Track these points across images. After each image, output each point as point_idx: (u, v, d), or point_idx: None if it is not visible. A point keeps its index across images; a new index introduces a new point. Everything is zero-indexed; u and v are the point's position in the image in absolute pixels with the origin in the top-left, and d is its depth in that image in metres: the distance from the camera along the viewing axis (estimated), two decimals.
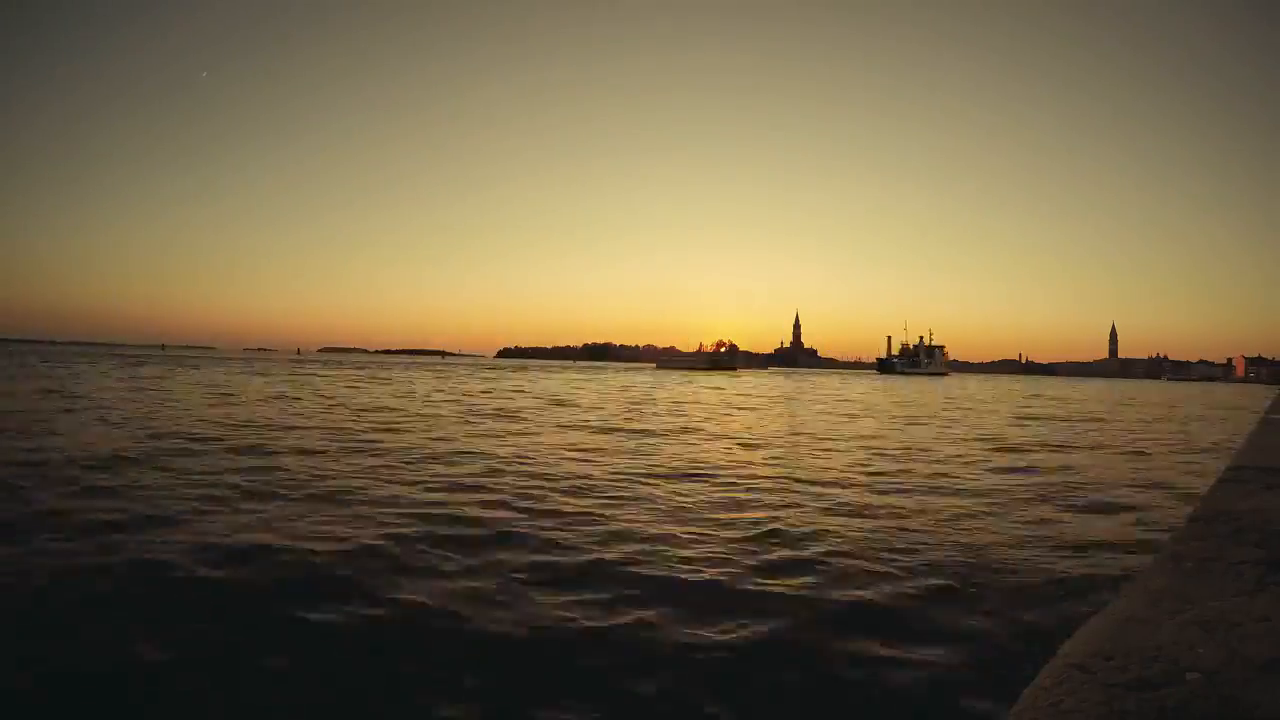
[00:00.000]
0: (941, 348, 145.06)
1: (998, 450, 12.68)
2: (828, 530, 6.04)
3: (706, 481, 8.45)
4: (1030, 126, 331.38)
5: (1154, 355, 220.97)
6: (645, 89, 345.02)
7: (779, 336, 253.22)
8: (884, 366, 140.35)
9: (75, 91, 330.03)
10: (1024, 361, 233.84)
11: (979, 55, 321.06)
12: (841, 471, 9.66)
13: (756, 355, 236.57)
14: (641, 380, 49.53)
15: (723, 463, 10.15)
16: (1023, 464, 10.86)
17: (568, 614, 3.97)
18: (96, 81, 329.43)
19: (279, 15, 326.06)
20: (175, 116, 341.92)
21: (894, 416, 21.28)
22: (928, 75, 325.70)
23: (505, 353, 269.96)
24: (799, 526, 6.16)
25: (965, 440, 14.45)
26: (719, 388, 41.46)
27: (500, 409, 19.25)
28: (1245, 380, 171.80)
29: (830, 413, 22.27)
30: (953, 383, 74.25)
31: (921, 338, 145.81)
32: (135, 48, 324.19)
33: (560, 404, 22.29)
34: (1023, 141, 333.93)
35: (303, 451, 9.88)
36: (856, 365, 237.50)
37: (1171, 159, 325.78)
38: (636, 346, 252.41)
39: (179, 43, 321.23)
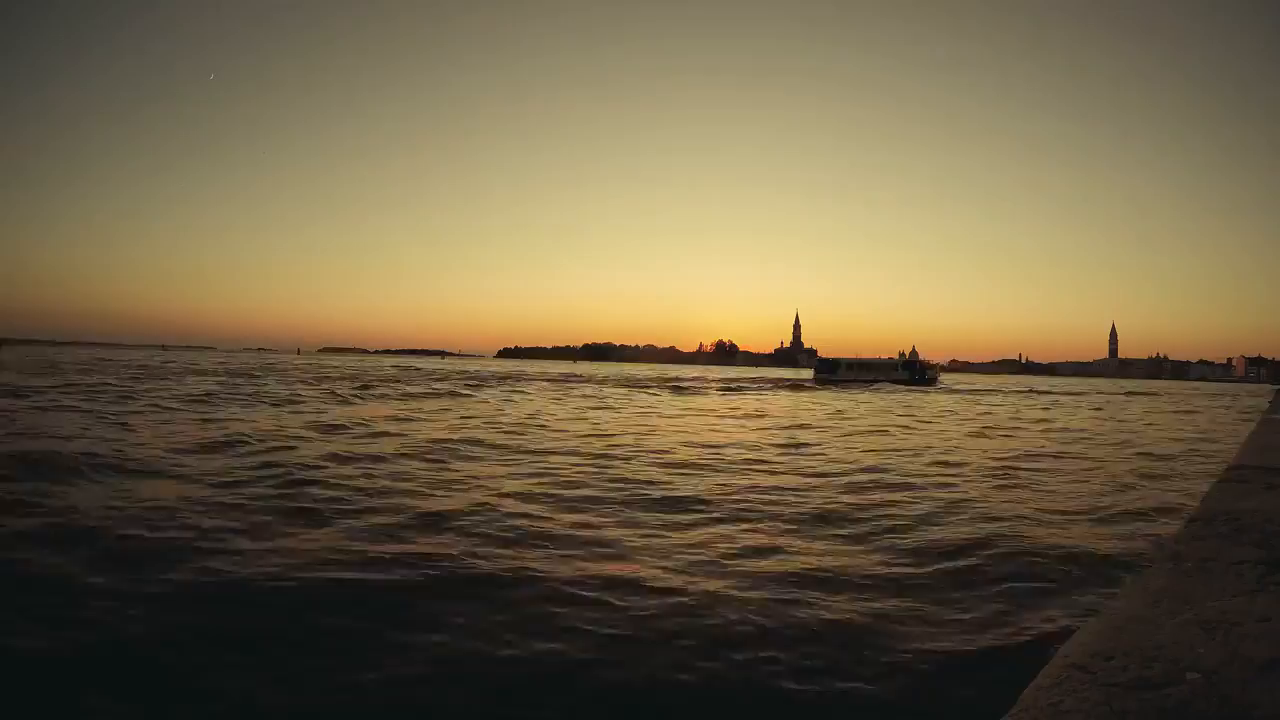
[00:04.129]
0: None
1: None
2: None
3: None
4: (1030, 126, 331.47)
5: (1154, 355, 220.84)
6: (645, 90, 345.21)
7: (779, 336, 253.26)
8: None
9: (79, 91, 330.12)
10: (1024, 361, 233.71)
11: (978, 55, 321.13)
12: None
13: (756, 355, 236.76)
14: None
15: None
16: None
17: None
18: (100, 81, 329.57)
19: (283, 20, 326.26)
20: (178, 118, 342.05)
21: None
22: (927, 76, 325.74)
23: (505, 352, 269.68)
24: None
25: None
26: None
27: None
28: (1245, 380, 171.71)
29: None
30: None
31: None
32: (140, 48, 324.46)
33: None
34: (1023, 141, 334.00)
35: None
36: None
37: (1172, 159, 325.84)
38: (637, 346, 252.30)
39: (185, 45, 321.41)
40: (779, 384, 47.37)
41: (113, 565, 4.55)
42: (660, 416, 19.69)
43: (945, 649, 3.62)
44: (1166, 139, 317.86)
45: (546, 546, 5.36)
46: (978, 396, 39.98)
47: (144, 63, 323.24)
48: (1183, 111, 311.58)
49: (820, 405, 26.87)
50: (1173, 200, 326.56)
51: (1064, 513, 7.20)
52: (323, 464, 8.78)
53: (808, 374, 63.83)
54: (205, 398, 19.54)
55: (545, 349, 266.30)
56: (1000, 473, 10.03)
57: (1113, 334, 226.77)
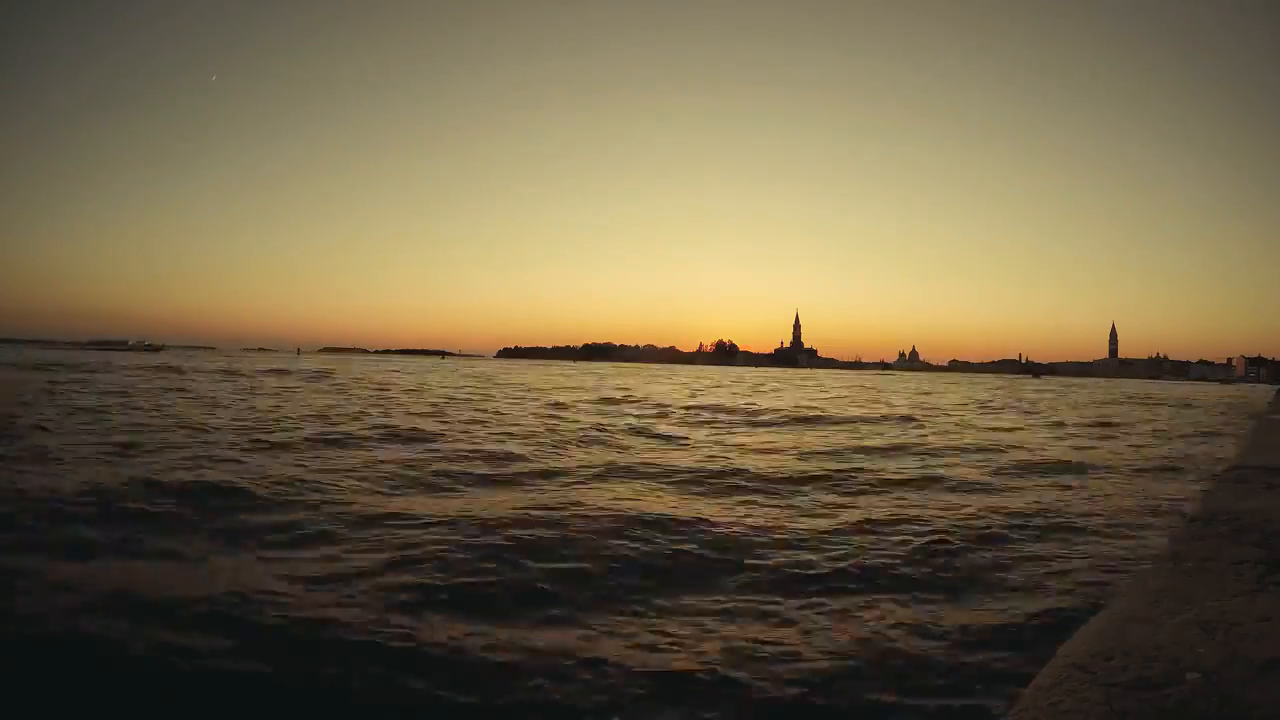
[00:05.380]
0: None
1: None
2: None
3: None
4: (1030, 126, 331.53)
5: (1154, 355, 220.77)
6: (645, 88, 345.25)
7: (779, 336, 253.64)
8: None
9: (80, 91, 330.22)
10: (1024, 361, 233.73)
11: (978, 55, 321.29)
12: None
13: (756, 355, 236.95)
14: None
15: None
16: None
17: None
18: (101, 80, 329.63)
19: (284, 22, 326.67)
20: (180, 118, 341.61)
21: None
22: (927, 74, 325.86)
23: (505, 352, 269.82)
24: None
25: None
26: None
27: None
28: (1245, 380, 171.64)
29: None
30: None
31: None
32: (142, 48, 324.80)
33: None
34: (1022, 141, 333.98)
35: None
36: (857, 365, 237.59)
37: (1172, 159, 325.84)
38: (637, 346, 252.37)
39: (187, 45, 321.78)
40: None
41: None
42: None
43: None
44: (1167, 139, 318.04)
45: None
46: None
47: (145, 62, 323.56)
48: (1183, 111, 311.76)
49: None
50: (1173, 200, 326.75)
51: None
52: None
53: None
54: None
55: (545, 349, 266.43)
56: None
57: (1113, 334, 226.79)
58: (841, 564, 4.89)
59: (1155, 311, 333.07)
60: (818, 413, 19.71)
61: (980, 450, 12.06)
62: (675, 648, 3.48)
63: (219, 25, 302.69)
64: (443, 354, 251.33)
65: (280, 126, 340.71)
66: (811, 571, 4.72)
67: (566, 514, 6.01)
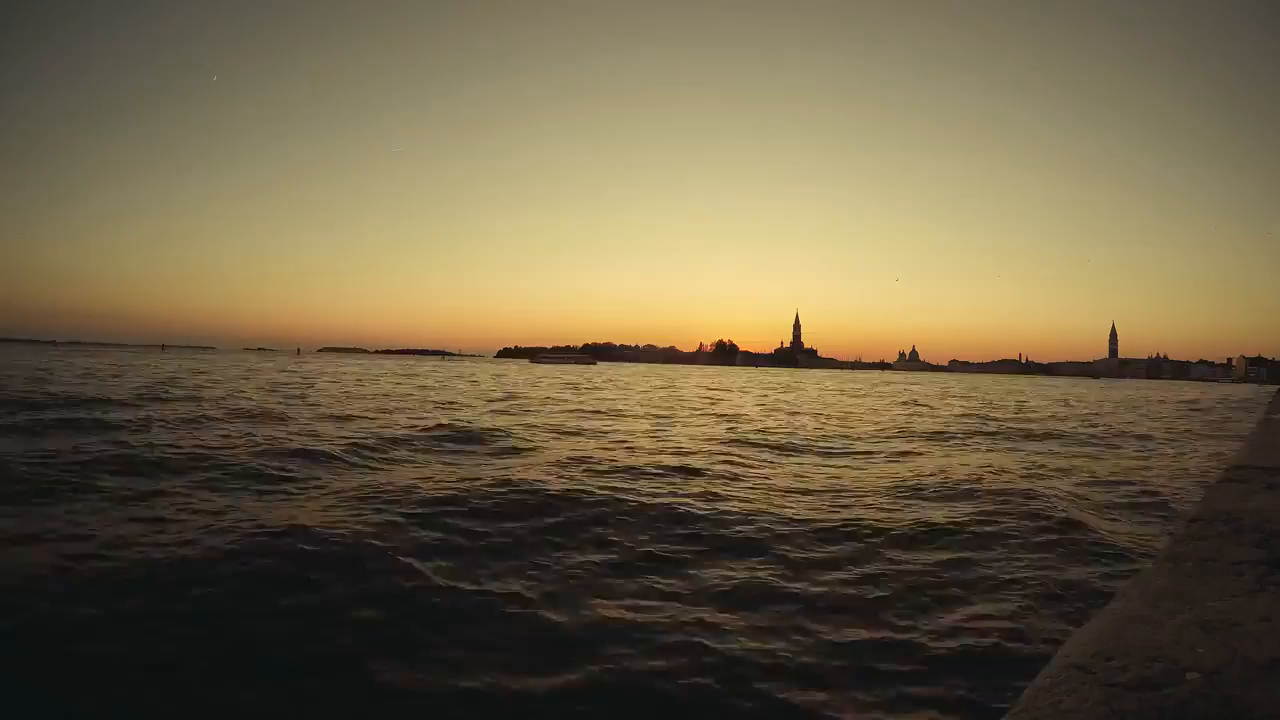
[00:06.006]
0: None
1: None
2: None
3: None
4: (1030, 127, 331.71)
5: (1154, 355, 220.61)
6: (645, 88, 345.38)
7: (779, 336, 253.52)
8: None
9: (81, 92, 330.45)
10: (1024, 361, 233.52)
11: (979, 55, 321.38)
12: None
13: (756, 355, 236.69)
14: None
15: None
16: None
17: None
18: (103, 82, 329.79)
19: (285, 23, 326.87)
20: (180, 119, 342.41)
21: None
22: (928, 75, 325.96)
23: (505, 352, 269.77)
24: None
25: None
26: None
27: None
28: (1245, 380, 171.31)
29: None
30: None
31: None
32: (145, 49, 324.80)
33: None
34: (1022, 141, 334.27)
35: None
36: (857, 365, 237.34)
37: (1172, 159, 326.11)
38: (637, 346, 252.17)
39: (189, 46, 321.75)
40: None
41: None
42: None
43: None
44: (1167, 139, 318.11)
45: None
46: None
47: (148, 64, 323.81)
48: (1183, 111, 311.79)
49: None
50: (1173, 200, 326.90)
51: None
52: None
53: None
54: None
55: (545, 349, 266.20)
56: None
57: (1113, 334, 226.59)
58: None
59: (1155, 311, 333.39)
60: None
61: None
62: None
63: (219, 26, 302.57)
64: (443, 354, 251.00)
65: (281, 128, 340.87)
66: None
67: None
